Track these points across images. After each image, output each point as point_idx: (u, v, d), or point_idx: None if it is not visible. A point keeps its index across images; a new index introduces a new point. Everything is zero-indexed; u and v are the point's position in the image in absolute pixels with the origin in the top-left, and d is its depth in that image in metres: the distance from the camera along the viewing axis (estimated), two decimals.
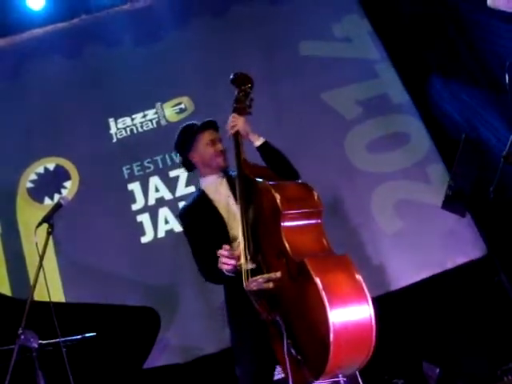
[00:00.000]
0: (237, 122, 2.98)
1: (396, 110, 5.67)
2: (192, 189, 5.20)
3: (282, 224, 2.61)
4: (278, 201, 2.62)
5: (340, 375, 2.43)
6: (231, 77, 3.07)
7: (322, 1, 6.04)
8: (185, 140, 3.17)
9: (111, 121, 5.65)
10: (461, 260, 5.03)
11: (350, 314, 2.35)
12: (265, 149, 2.98)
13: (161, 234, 5.20)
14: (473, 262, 5.02)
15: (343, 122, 5.56)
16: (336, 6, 6.08)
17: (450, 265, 5.00)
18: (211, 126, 3.18)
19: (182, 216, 3.20)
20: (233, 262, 2.77)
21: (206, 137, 3.13)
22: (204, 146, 3.12)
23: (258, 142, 2.98)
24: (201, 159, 3.15)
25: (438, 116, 5.50)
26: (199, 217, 3.06)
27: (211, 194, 3.09)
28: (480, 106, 5.28)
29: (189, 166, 3.24)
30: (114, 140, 5.58)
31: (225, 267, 2.79)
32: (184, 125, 3.23)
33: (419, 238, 5.02)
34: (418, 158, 5.43)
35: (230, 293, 3.01)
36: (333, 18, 6.03)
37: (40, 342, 2.86)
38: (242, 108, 3.02)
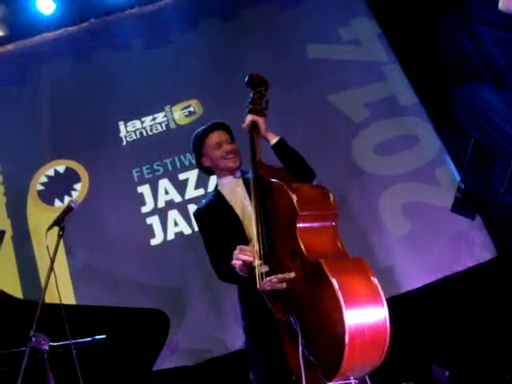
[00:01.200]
0: (255, 118, 2.98)
1: (404, 113, 5.66)
2: (201, 191, 5.24)
3: (298, 225, 2.60)
4: (295, 202, 2.62)
5: (351, 377, 2.43)
6: (246, 79, 3.06)
7: (331, 4, 6.04)
8: (194, 147, 3.20)
9: (121, 124, 5.69)
10: (470, 263, 5.01)
11: (366, 316, 2.35)
12: (281, 147, 2.99)
13: (170, 236, 5.23)
14: (482, 265, 5.00)
15: (351, 124, 5.56)
16: (344, 9, 6.09)
17: (459, 267, 4.99)
18: (216, 128, 3.17)
19: (197, 215, 3.21)
20: (248, 257, 2.74)
21: (212, 140, 3.14)
22: (211, 150, 3.13)
23: (274, 140, 2.99)
24: (211, 163, 3.17)
25: (447, 119, 5.50)
26: (215, 217, 3.07)
27: (227, 195, 3.10)
28: (490, 109, 5.27)
29: (206, 170, 3.27)
30: (124, 143, 5.61)
31: (239, 263, 2.77)
32: (195, 132, 3.23)
33: (428, 241, 5.02)
34: (426, 161, 5.42)
35: (244, 294, 3.01)
36: (341, 20, 6.04)
37: (51, 344, 2.88)
38: (257, 110, 3.01)
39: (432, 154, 5.46)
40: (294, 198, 2.63)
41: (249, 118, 2.99)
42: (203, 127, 3.21)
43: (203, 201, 3.27)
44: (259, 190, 2.82)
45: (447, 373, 4.46)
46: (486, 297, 4.74)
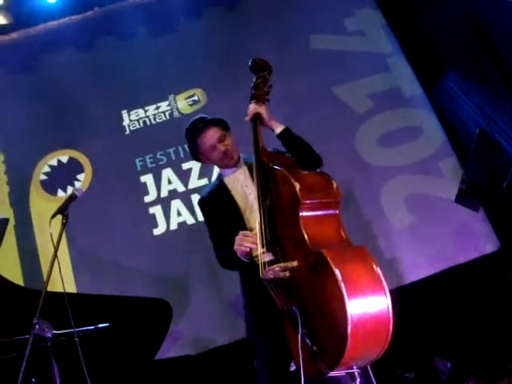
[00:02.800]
0: (258, 108, 2.91)
1: (409, 104, 5.64)
2: (205, 181, 5.22)
3: (300, 213, 2.58)
4: (298, 190, 2.59)
5: (354, 367, 2.43)
6: (249, 63, 3.01)
7: None
8: (189, 144, 3.12)
9: (124, 113, 5.66)
10: (474, 254, 5.00)
11: (368, 306, 2.34)
12: (286, 136, 2.92)
13: (173, 226, 5.21)
14: (486, 257, 4.99)
15: (354, 115, 5.53)
16: (349, 0, 6.06)
17: (462, 259, 4.97)
18: (207, 127, 3.03)
19: (200, 205, 3.18)
20: (250, 243, 2.72)
21: (205, 144, 3.01)
22: (206, 151, 3.03)
23: (279, 128, 2.91)
24: (210, 161, 3.11)
25: (449, 110, 5.47)
26: (217, 205, 3.05)
27: (229, 183, 3.07)
28: (490, 105, 5.24)
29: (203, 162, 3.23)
30: (127, 132, 5.59)
31: (241, 248, 2.76)
32: (187, 125, 3.10)
33: (431, 232, 5.00)
34: (430, 152, 5.39)
35: (247, 283, 3.00)
36: (346, 11, 6.00)
37: (54, 331, 2.88)
38: (260, 95, 2.96)
39: (436, 145, 5.44)
40: (297, 186, 2.60)
41: (251, 109, 2.92)
42: (196, 118, 3.09)
43: (206, 189, 3.24)
44: (262, 178, 2.78)
45: (449, 364, 4.46)
46: (489, 288, 4.74)
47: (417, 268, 4.96)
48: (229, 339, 4.69)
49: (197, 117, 3.12)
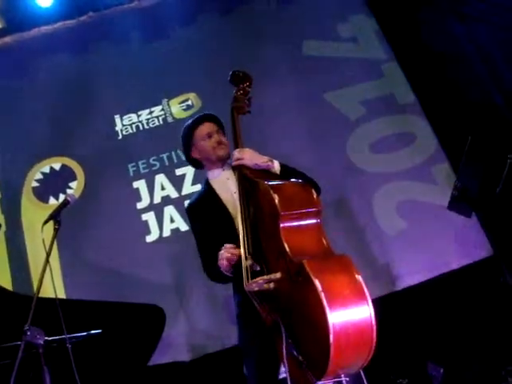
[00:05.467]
0: (243, 156, 2.88)
1: (402, 110, 5.65)
2: (199, 187, 5.09)
3: (280, 225, 2.59)
4: (276, 201, 2.59)
5: (342, 375, 2.43)
6: (229, 75, 3.03)
7: (329, 1, 6.02)
8: (184, 138, 3.16)
9: (117, 118, 5.65)
10: (466, 260, 5.01)
11: (350, 315, 2.34)
12: (283, 173, 2.92)
13: (166, 232, 5.19)
14: (478, 263, 5.01)
15: (347, 122, 5.54)
16: (343, 6, 6.08)
17: (455, 265, 4.99)
18: (207, 119, 3.11)
19: (189, 211, 3.17)
20: (231, 257, 2.74)
21: (201, 131, 3.08)
22: (201, 141, 3.07)
23: (274, 169, 2.91)
24: (201, 155, 3.11)
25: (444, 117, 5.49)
26: (206, 213, 3.03)
27: (218, 189, 3.05)
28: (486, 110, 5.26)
29: (195, 163, 3.22)
30: (120, 137, 5.58)
31: (224, 263, 2.77)
32: (185, 124, 3.19)
33: (424, 239, 5.01)
34: (423, 158, 5.41)
35: (239, 292, 2.95)
36: (339, 17, 6.02)
37: (46, 338, 2.87)
38: (240, 107, 2.97)
39: (429, 151, 5.46)
40: (276, 197, 2.61)
41: (237, 156, 2.89)
42: (193, 118, 3.16)
43: (194, 196, 3.24)
44: (244, 190, 2.80)
45: (442, 370, 4.47)
46: (482, 294, 4.75)
47: (409, 274, 4.96)
48: (221, 346, 4.69)
49: None
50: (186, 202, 4.96)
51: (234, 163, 2.90)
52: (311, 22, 5.87)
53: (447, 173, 5.28)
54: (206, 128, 3.08)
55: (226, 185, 3.04)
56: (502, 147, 4.34)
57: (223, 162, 3.09)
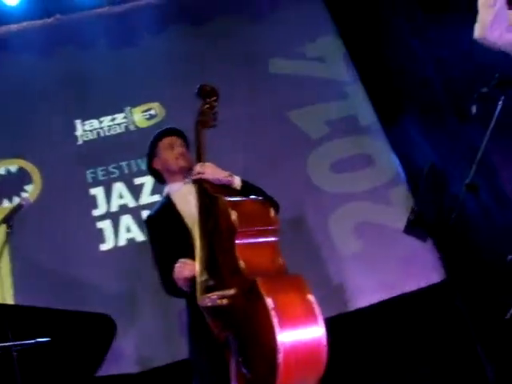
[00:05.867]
0: (204, 170, 2.90)
1: (363, 132, 5.71)
2: (157, 197, 5.09)
3: (236, 241, 2.60)
4: (233, 218, 2.61)
5: None
6: (196, 89, 3.05)
7: (298, 20, 6.06)
8: (148, 149, 3.24)
9: (78, 122, 5.55)
10: (420, 284, 5.06)
11: (301, 335, 2.35)
12: (243, 189, 2.95)
13: (122, 242, 5.09)
14: (431, 287, 5.07)
15: (309, 141, 5.57)
16: (311, 26, 6.11)
17: (408, 288, 5.03)
18: (172, 132, 3.23)
19: (147, 223, 3.20)
20: (187, 274, 2.77)
21: (165, 142, 3.18)
22: (163, 151, 3.17)
23: (235, 185, 2.94)
24: (163, 165, 3.18)
25: (403, 141, 5.58)
26: (165, 226, 3.05)
27: (178, 202, 3.08)
28: (443, 139, 5.36)
29: (156, 175, 3.26)
30: (80, 142, 5.47)
31: (180, 277, 2.78)
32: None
33: (379, 260, 5.05)
34: (382, 181, 5.47)
35: (193, 305, 2.93)
36: (307, 37, 6.06)
37: None
38: (205, 121, 2.99)
39: (388, 174, 5.52)
40: (234, 213, 2.62)
41: (198, 170, 2.89)
42: (159, 130, 3.26)
43: (153, 208, 3.25)
44: (203, 205, 2.82)
45: None
46: (434, 318, 4.81)
47: (363, 295, 4.98)
48: (171, 359, 4.63)
49: None
50: (145, 214, 4.98)
51: (195, 177, 2.90)
52: (279, 40, 5.90)
53: (405, 196, 5.35)
54: (169, 140, 3.18)
55: (186, 198, 3.05)
56: (459, 174, 4.43)
57: (184, 174, 3.12)
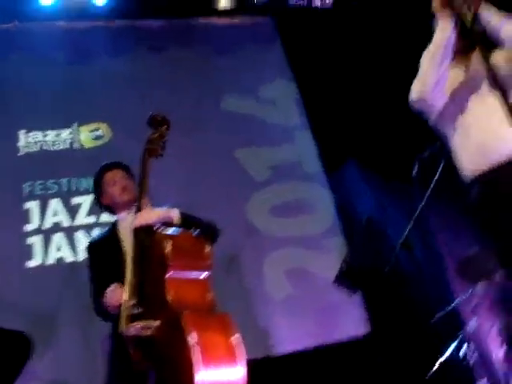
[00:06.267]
0: (139, 222, 2.89)
1: (306, 179, 5.78)
2: (93, 219, 5.04)
3: (167, 274, 2.62)
4: (168, 249, 2.64)
5: None
6: (148, 117, 3.08)
7: (256, 60, 6.16)
8: (94, 186, 3.29)
9: (21, 133, 5.39)
10: (346, 335, 5.11)
11: (221, 375, 2.36)
12: (183, 221, 2.95)
13: (50, 260, 4.92)
14: (356, 339, 5.11)
15: (252, 181, 5.62)
16: (268, 68, 6.21)
17: (334, 338, 5.07)
18: (114, 167, 3.25)
19: (89, 248, 3.23)
20: (116, 302, 2.76)
21: (109, 177, 3.21)
22: (108, 187, 3.19)
23: (174, 220, 2.93)
24: (110, 200, 3.21)
25: (344, 192, 5.67)
26: (104, 253, 3.07)
27: (122, 232, 3.10)
28: (384, 194, 5.48)
29: (107, 209, 3.30)
30: (21, 153, 5.31)
31: (108, 305, 2.78)
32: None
33: (308, 308, 5.08)
34: (320, 229, 5.54)
35: (116, 332, 2.91)
36: (262, 78, 6.14)
37: None
38: (154, 150, 3.02)
39: (326, 223, 5.60)
40: (168, 245, 2.65)
41: (136, 223, 2.89)
42: (101, 166, 3.29)
43: (99, 234, 3.34)
44: (139, 233, 2.84)
45: None
46: (356, 372, 4.83)
47: (289, 341, 4.98)
48: None
49: None
50: (79, 234, 4.89)
51: (135, 226, 2.89)
52: (234, 77, 5.96)
53: (341, 246, 5.41)
54: (112, 174, 3.21)
55: (128, 228, 3.04)
56: (395, 231, 4.53)
57: (130, 206, 3.13)
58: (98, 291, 2.95)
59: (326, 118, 5.98)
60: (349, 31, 6.20)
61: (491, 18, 2.25)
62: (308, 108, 6.09)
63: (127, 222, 3.07)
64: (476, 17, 1.94)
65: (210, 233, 3.01)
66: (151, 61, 5.90)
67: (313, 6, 6.18)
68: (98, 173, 3.28)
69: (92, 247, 3.21)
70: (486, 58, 2.65)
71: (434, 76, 2.58)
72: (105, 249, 3.09)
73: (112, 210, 3.26)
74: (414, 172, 4.29)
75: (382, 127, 5.76)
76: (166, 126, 3.06)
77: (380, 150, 5.62)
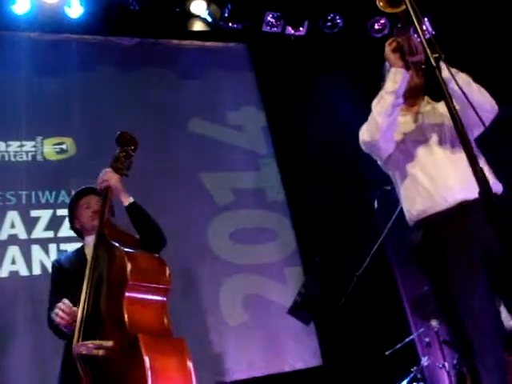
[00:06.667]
0: (109, 178, 2.98)
1: (269, 207, 5.81)
2: (51, 234, 4.96)
3: (126, 294, 2.58)
4: (128, 269, 2.60)
5: None
6: (116, 135, 3.07)
7: (227, 85, 6.20)
8: (68, 211, 3.28)
9: None
10: (298, 365, 5.12)
11: None
12: (132, 209, 2.99)
13: (3, 273, 4.78)
14: (308, 370, 5.12)
15: (214, 205, 5.62)
16: (238, 94, 6.25)
17: (287, 368, 5.08)
18: (88, 192, 3.22)
19: (54, 265, 3.19)
20: (66, 317, 2.70)
21: (82, 203, 3.19)
22: (80, 212, 3.18)
23: (127, 201, 2.99)
24: (80, 224, 3.20)
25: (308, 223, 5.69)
26: (67, 272, 3.04)
27: (88, 253, 3.02)
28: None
29: (78, 233, 3.28)
30: None
31: (58, 320, 2.72)
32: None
33: (262, 336, 5.10)
34: (279, 257, 5.57)
35: (67, 351, 2.86)
36: (231, 104, 6.17)
37: None
38: (119, 168, 3.02)
39: (286, 252, 5.63)
40: (129, 265, 2.61)
41: (104, 177, 2.99)
42: (75, 191, 3.29)
43: (66, 253, 3.35)
44: (98, 250, 2.81)
45: None
46: None
47: (241, 368, 4.97)
48: None
49: None
50: (36, 247, 4.79)
51: (101, 185, 2.97)
52: (204, 101, 5.97)
53: (299, 276, 5.43)
54: (85, 200, 3.19)
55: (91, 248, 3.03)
56: (352, 265, 4.56)
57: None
58: (51, 307, 2.90)
59: (291, 147, 6.04)
60: (321, 60, 6.30)
61: (443, 68, 2.33)
62: (275, 137, 6.15)
63: (92, 244, 3.04)
64: (438, 62, 1.99)
65: (155, 237, 3.00)
66: (120, 79, 5.87)
67: (286, 33, 6.23)
68: (72, 198, 3.29)
69: (58, 263, 3.16)
70: (434, 107, 2.79)
71: (384, 121, 2.64)
72: (70, 265, 3.07)
73: (81, 234, 3.25)
74: (375, 204, 4.35)
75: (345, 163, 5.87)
76: (133, 147, 3.06)
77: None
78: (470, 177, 1.86)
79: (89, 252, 3.00)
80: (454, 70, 2.47)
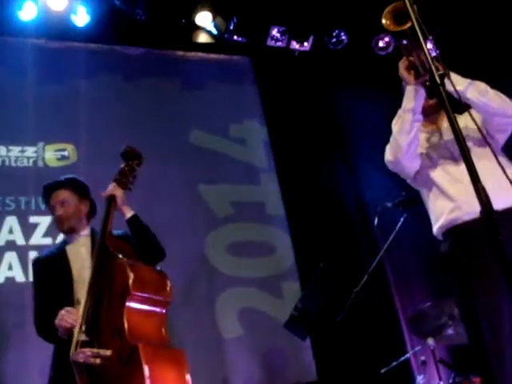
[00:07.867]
0: (115, 191, 3.00)
1: (269, 221, 5.82)
2: (49, 240, 4.94)
3: (127, 303, 2.61)
4: (131, 280, 2.63)
5: None
6: (122, 149, 3.10)
7: (230, 98, 6.23)
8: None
9: None
10: (292, 380, 5.10)
11: None
12: (133, 223, 3.01)
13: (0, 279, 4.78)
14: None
15: (212, 217, 5.62)
16: (241, 108, 6.29)
17: (281, 382, 5.05)
18: (57, 187, 3.15)
19: (34, 263, 3.15)
20: (72, 321, 2.70)
21: (51, 200, 3.13)
22: (50, 209, 3.15)
23: (129, 214, 3.01)
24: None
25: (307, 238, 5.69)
26: (50, 271, 3.01)
27: (70, 253, 3.05)
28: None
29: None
30: None
31: (62, 324, 2.71)
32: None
33: (258, 350, 5.08)
34: (277, 272, 5.56)
35: (59, 359, 2.87)
36: (234, 117, 6.20)
37: None
38: (123, 182, 3.04)
39: (284, 267, 5.63)
40: (131, 276, 2.65)
41: (109, 189, 3.02)
42: (48, 183, 3.19)
43: (46, 250, 3.23)
44: (100, 260, 2.81)
45: None
46: None
47: (236, 381, 4.95)
48: None
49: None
50: (32, 255, 4.78)
51: (107, 193, 2.99)
52: (206, 113, 5.99)
53: (296, 291, 5.41)
54: (53, 199, 3.12)
55: (79, 251, 3.05)
56: (349, 280, 4.55)
57: (75, 229, 3.10)
58: (40, 309, 2.93)
59: (292, 162, 6.05)
60: (324, 76, 6.33)
61: (458, 82, 2.34)
62: (276, 151, 6.16)
63: (77, 245, 3.07)
64: (442, 79, 1.99)
65: (154, 250, 3.01)
66: (124, 88, 5.90)
67: (291, 47, 6.26)
68: (43, 191, 3.20)
69: (37, 263, 3.13)
70: (453, 121, 2.80)
71: (405, 140, 2.69)
72: (50, 266, 3.03)
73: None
74: (375, 221, 4.35)
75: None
76: (138, 161, 3.09)
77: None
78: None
79: (72, 249, 3.03)
80: (468, 80, 2.50)
